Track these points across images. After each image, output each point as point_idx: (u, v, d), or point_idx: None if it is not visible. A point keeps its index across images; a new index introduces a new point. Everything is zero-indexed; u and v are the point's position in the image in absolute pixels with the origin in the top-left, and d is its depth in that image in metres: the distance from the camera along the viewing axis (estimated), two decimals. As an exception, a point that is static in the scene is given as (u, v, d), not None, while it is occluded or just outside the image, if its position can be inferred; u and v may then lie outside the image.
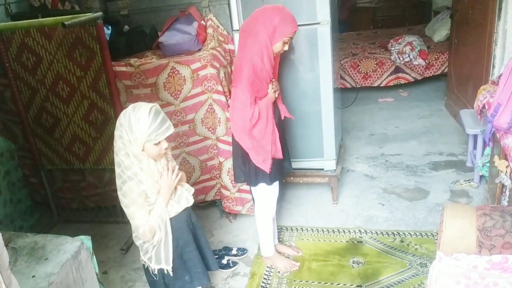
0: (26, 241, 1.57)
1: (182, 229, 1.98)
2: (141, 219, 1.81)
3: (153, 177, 1.83)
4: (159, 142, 1.77)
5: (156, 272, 1.96)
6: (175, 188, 1.94)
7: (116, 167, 1.81)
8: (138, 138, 1.73)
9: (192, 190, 2.03)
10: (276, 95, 2.35)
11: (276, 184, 2.51)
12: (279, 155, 2.37)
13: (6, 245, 1.32)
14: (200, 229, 2.12)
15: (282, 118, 2.49)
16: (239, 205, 3.09)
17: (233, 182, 2.99)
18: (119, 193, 1.82)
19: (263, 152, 2.30)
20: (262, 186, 2.45)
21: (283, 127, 2.52)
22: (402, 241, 2.79)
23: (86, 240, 1.59)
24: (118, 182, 1.81)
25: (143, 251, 1.97)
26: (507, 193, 2.33)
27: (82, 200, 3.43)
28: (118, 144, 1.77)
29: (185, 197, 1.97)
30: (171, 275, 1.96)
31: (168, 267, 1.94)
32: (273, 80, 2.33)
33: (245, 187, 3.03)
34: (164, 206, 1.86)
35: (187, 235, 2.00)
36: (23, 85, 3.06)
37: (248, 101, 2.18)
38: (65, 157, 3.21)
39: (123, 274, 2.80)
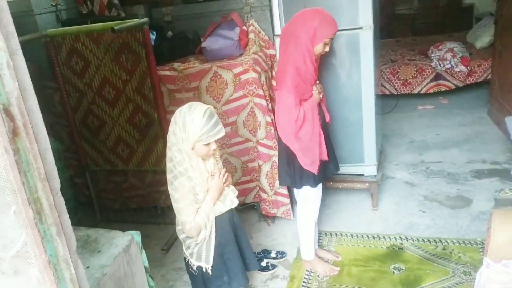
0: (79, 234, 1.63)
1: (224, 229, 2.01)
2: (189, 216, 1.86)
3: (201, 175, 1.88)
4: (208, 143, 1.82)
5: (195, 268, 2.00)
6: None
7: (167, 162, 1.87)
8: (190, 138, 1.79)
9: (237, 192, 2.07)
10: (321, 96, 2.36)
11: (320, 186, 2.51)
12: (325, 156, 2.37)
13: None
14: (242, 229, 2.14)
15: (327, 120, 2.49)
16: (275, 208, 3.11)
17: (270, 184, 3.02)
18: (169, 187, 1.88)
19: (311, 155, 2.30)
20: (306, 188, 2.45)
21: (328, 129, 2.52)
22: (444, 249, 2.73)
23: (136, 235, 1.64)
24: (169, 176, 1.87)
25: (185, 246, 2.01)
26: (557, 201, 2.26)
27: (124, 201, 3.52)
28: (172, 139, 1.84)
29: (230, 198, 2.01)
30: (210, 274, 1.99)
31: (207, 265, 1.97)
32: (317, 82, 2.35)
33: (282, 190, 3.05)
34: (212, 206, 1.91)
35: (229, 235, 2.03)
36: (72, 88, 3.18)
37: (293, 103, 2.20)
38: (109, 158, 3.30)
39: (163, 273, 2.86)
